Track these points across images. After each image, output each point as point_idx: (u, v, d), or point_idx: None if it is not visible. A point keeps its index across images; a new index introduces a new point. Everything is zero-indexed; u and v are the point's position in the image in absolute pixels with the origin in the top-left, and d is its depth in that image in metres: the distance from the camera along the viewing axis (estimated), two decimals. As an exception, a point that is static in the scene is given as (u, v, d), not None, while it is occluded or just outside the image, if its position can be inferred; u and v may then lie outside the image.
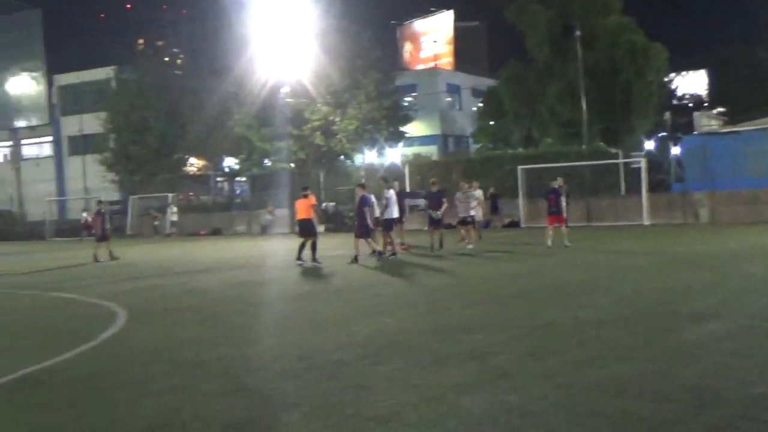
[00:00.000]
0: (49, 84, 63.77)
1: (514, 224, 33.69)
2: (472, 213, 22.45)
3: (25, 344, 9.58)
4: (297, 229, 20.62)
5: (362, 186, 21.14)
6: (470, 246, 21.45)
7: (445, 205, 21.70)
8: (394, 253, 20.09)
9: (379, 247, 19.46)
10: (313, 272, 17.37)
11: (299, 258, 19.14)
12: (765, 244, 19.38)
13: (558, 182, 21.89)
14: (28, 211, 62.39)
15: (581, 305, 10.36)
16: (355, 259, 18.83)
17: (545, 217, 22.15)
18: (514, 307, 10.60)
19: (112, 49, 71.04)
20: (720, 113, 54.92)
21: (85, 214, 48.62)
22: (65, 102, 64.07)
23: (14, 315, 12.45)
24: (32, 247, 39.89)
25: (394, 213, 20.61)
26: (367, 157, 44.16)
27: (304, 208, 19.84)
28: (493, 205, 32.80)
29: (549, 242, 20.83)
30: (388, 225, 20.43)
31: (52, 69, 63.79)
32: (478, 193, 25.61)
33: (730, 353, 7.13)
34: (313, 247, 19.45)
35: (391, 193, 20.93)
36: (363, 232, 19.32)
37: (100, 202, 28.07)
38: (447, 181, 31.86)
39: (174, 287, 15.54)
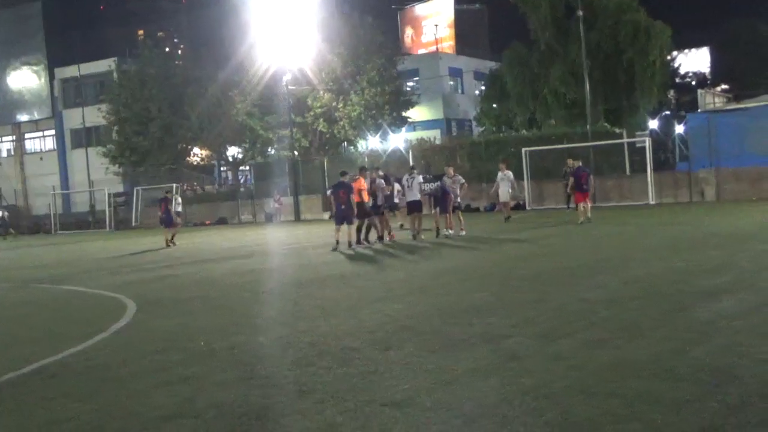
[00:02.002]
0: (51, 77, 63.67)
1: (519, 207, 33.66)
2: (459, 199, 22.09)
3: (39, 336, 9.60)
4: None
5: (377, 170, 21.47)
6: (450, 232, 21.00)
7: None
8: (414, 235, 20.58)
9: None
10: (319, 259, 17.35)
11: (365, 240, 19.79)
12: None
13: (576, 162, 23.94)
14: (32, 205, 62.55)
15: (591, 286, 10.35)
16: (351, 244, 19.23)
17: (574, 196, 23.81)
18: (523, 290, 10.58)
19: (112, 40, 70.80)
20: (724, 90, 54.72)
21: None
22: (67, 95, 64.01)
23: (28, 308, 12.49)
24: (48, 240, 40.02)
25: (415, 196, 20.82)
26: (371, 143, 44.10)
27: (355, 193, 19.86)
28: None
29: (581, 218, 22.10)
30: (411, 207, 20.89)
31: (53, 62, 63.63)
32: (510, 174, 26.31)
33: (742, 331, 7.11)
34: (359, 230, 19.82)
35: (420, 179, 21.20)
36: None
37: (167, 192, 29.29)
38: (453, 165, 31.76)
39: (182, 277, 15.56)
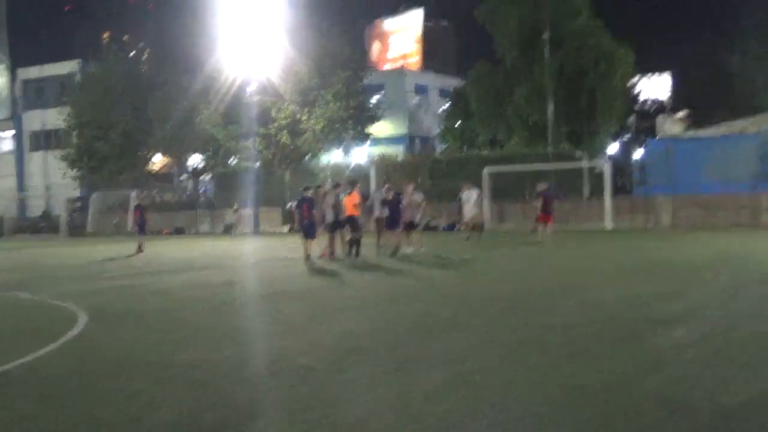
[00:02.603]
0: (12, 78, 62.75)
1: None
2: (419, 217, 21.93)
3: (-16, 346, 9.38)
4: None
5: (338, 186, 21.50)
6: (410, 249, 21.06)
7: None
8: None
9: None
10: (277, 273, 17.26)
11: (357, 254, 19.79)
12: (726, 251, 19.64)
13: (543, 186, 24.31)
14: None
15: (547, 311, 10.39)
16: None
17: (537, 216, 24.03)
18: (479, 313, 10.58)
19: (77, 42, 70.09)
20: (683, 117, 55.59)
21: None
22: (28, 96, 63.13)
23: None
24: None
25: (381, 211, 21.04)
26: (333, 157, 44.04)
27: (349, 206, 19.84)
28: (459, 206, 32.82)
29: (539, 238, 22.93)
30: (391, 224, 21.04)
31: (15, 62, 62.79)
32: (475, 192, 26.71)
33: (695, 361, 7.19)
34: (350, 243, 19.91)
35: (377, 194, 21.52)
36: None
37: (141, 199, 29.67)
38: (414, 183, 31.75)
39: (136, 288, 15.32)
